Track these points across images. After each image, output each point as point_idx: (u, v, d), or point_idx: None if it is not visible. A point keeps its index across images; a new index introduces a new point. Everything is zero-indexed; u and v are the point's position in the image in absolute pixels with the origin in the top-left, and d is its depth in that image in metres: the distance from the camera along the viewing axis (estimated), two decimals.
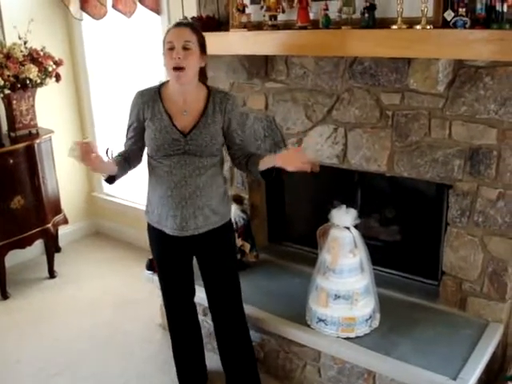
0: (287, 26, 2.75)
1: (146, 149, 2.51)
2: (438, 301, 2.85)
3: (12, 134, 3.97)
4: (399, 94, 2.66)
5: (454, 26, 2.23)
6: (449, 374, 2.36)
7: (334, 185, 3.29)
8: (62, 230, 4.43)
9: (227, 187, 2.67)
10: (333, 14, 2.59)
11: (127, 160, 2.49)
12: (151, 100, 2.44)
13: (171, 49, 2.32)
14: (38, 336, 3.48)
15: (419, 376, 2.40)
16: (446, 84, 2.47)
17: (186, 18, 3.01)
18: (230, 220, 2.66)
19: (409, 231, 3.13)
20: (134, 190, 4.43)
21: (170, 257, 2.62)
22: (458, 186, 2.61)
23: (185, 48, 2.32)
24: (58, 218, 4.26)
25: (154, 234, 2.59)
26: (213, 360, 2.95)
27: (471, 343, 2.54)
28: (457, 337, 2.59)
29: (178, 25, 2.42)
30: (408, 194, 3.06)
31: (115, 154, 2.46)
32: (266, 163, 2.44)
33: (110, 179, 2.46)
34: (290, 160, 2.35)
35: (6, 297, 3.92)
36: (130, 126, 2.51)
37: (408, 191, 3.05)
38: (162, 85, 2.49)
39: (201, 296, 2.78)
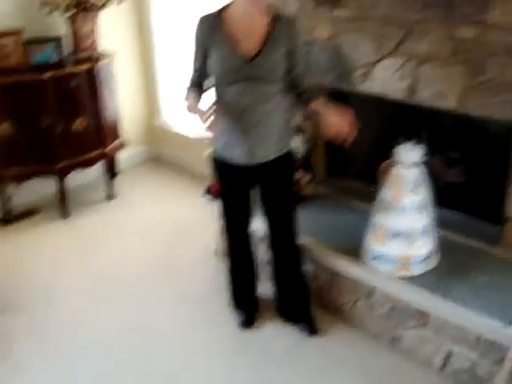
0: None
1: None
2: (499, 246, 2.77)
3: (75, 56, 3.97)
4: (476, 27, 2.50)
5: None
6: (505, 320, 2.30)
7: (400, 120, 3.18)
8: (122, 154, 4.49)
9: (291, 116, 2.62)
10: None
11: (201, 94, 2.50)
12: (214, 26, 2.39)
13: None
14: (96, 255, 3.59)
15: (474, 320, 2.36)
16: None
17: None
18: (292, 149, 2.64)
19: (474, 173, 3.02)
20: (192, 117, 4.40)
21: (233, 184, 2.63)
22: None
23: None
24: (118, 141, 4.30)
25: (220, 162, 2.59)
26: (264, 289, 2.98)
27: None
28: None
29: None
30: (475, 134, 2.94)
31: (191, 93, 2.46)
32: (315, 108, 2.45)
33: None
34: (335, 127, 2.34)
35: (66, 216, 4.04)
36: (196, 56, 2.48)
37: (476, 131, 2.93)
38: (223, 9, 2.42)
39: (257, 225, 2.79)
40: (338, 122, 2.35)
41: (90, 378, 2.64)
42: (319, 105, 2.47)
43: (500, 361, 2.31)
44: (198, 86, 2.51)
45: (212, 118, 2.24)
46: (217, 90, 2.48)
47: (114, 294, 3.22)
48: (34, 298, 3.17)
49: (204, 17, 2.43)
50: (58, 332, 2.93)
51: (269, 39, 2.37)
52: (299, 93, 2.55)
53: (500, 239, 2.78)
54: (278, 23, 2.40)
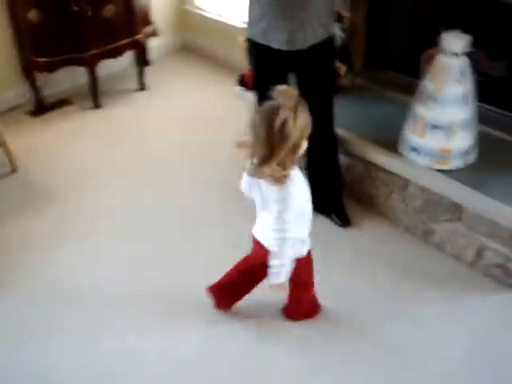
0: None
1: None
2: None
3: None
4: None
5: None
6: None
7: (444, 8, 3.00)
8: (153, 43, 4.38)
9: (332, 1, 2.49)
10: None
11: None
12: None
13: None
14: (131, 144, 3.61)
15: (509, 215, 2.34)
16: None
17: None
18: (333, 35, 2.55)
19: None
20: (227, 3, 4.25)
21: (270, 70, 2.54)
22: None
23: None
24: (149, 29, 4.18)
25: (257, 48, 2.50)
26: None
27: None
28: None
29: None
30: None
31: None
32: None
33: None
34: None
35: (98, 106, 4.01)
36: None
37: None
38: None
39: None
40: None
41: (129, 256, 2.72)
42: None
43: None
44: None
45: None
46: None
47: (152, 179, 3.26)
48: (73, 186, 3.22)
49: None
50: (96, 216, 3.00)
51: None
52: None
53: None
54: None
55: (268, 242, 2.01)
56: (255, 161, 1.85)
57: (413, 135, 2.58)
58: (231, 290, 2.35)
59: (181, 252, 2.74)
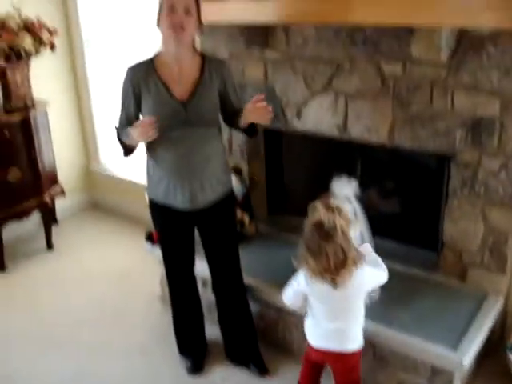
0: None
1: None
2: (438, 272, 2.84)
3: (7, 106, 3.90)
4: (401, 63, 2.61)
5: None
6: (449, 344, 2.36)
7: (334, 156, 3.26)
8: (60, 203, 4.41)
9: (227, 156, 2.65)
10: None
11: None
12: (144, 73, 2.38)
13: (172, 10, 2.27)
14: (37, 308, 3.48)
15: (419, 346, 2.40)
16: (449, 53, 2.43)
17: None
18: (232, 190, 2.65)
19: (409, 202, 3.10)
20: (130, 162, 4.37)
21: (174, 229, 2.60)
22: (460, 156, 2.58)
23: (186, 11, 2.28)
24: (55, 189, 4.23)
25: (159, 209, 2.55)
26: (212, 332, 2.95)
27: (471, 314, 2.54)
28: (457, 308, 2.59)
29: None
30: (408, 165, 3.03)
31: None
32: (242, 120, 2.45)
33: (128, 151, 2.50)
34: (254, 113, 2.36)
35: (3, 269, 3.91)
36: (124, 106, 2.45)
37: (408, 162, 3.02)
38: (155, 56, 2.44)
39: (200, 267, 2.77)
40: (252, 107, 2.36)
41: None
42: (242, 114, 2.45)
43: None
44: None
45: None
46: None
47: (57, 343, 3.13)
48: None
49: (134, 66, 2.42)
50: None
51: (201, 81, 2.40)
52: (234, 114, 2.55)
53: (437, 265, 2.85)
54: (209, 64, 2.44)
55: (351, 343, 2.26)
56: (332, 268, 2.11)
57: None
58: None
59: None
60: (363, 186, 2.64)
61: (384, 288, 2.67)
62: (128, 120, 2.45)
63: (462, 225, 2.68)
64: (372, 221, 2.62)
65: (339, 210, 2.15)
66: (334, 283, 2.15)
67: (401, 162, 3.05)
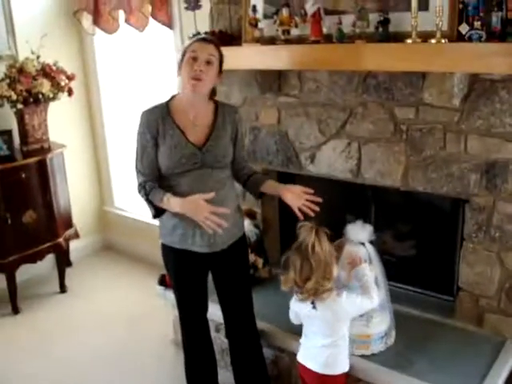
0: (300, 40, 2.74)
1: None
2: (454, 317, 2.80)
3: (24, 149, 3.98)
4: (413, 108, 2.64)
5: (470, 39, 2.21)
6: None
7: (348, 200, 3.26)
8: (74, 245, 4.43)
9: (240, 200, 2.67)
10: (346, 28, 2.57)
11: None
12: (160, 117, 2.40)
13: (194, 59, 2.32)
14: (49, 352, 3.46)
15: None
16: (461, 98, 2.45)
17: (198, 32, 2.99)
18: (244, 233, 2.66)
19: (424, 246, 3.08)
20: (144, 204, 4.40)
21: (189, 274, 2.57)
22: (474, 200, 2.58)
23: (207, 62, 2.33)
24: (70, 232, 4.25)
25: (175, 254, 2.52)
26: (225, 377, 2.91)
27: (489, 360, 2.50)
28: (474, 353, 2.55)
29: (204, 39, 2.44)
30: (423, 209, 3.02)
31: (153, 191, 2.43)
32: (268, 189, 2.54)
33: (159, 213, 2.49)
34: (295, 199, 2.44)
35: (17, 311, 3.90)
36: (143, 151, 2.41)
37: (423, 206, 3.01)
38: (170, 100, 2.48)
39: (213, 312, 2.75)
40: (297, 193, 2.44)
41: None
42: (272, 184, 2.54)
43: None
44: (155, 181, 2.44)
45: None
46: (167, 181, 2.43)
47: None
48: None
49: (149, 109, 2.44)
50: None
51: (215, 126, 2.44)
52: (247, 177, 2.59)
53: (453, 310, 2.82)
54: (222, 110, 2.49)
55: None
56: (300, 284, 2.29)
57: None
58: None
59: None
60: (377, 229, 2.64)
61: (399, 332, 2.65)
62: (151, 167, 2.42)
63: (478, 269, 2.65)
64: (387, 265, 2.61)
65: (321, 235, 2.32)
66: (312, 303, 2.33)
67: (415, 205, 3.04)
